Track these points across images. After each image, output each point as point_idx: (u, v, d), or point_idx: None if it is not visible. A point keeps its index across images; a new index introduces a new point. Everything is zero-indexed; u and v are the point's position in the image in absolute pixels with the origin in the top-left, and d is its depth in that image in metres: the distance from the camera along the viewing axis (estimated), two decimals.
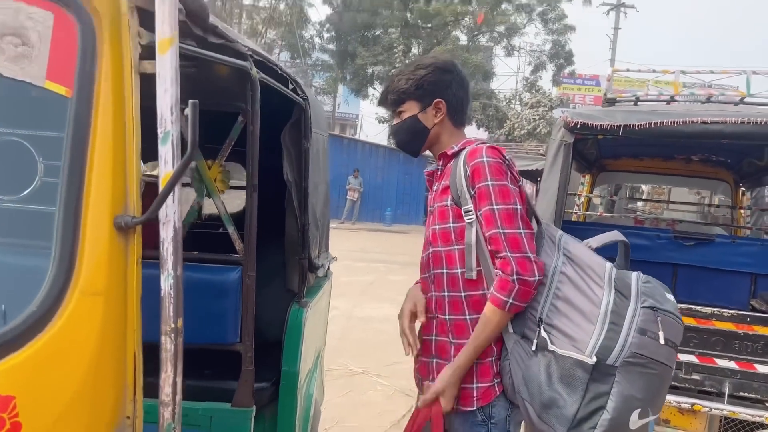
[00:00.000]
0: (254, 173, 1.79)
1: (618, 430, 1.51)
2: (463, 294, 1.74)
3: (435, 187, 1.86)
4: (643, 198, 10.40)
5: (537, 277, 1.62)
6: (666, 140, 3.74)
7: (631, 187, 10.81)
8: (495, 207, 1.66)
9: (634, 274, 1.67)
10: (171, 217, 1.11)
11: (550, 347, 1.58)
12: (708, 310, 3.25)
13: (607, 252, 1.75)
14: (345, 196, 20.40)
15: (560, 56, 25.46)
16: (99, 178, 1.09)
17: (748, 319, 3.19)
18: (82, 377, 1.04)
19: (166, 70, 1.11)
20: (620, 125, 3.34)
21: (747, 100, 3.97)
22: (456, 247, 1.74)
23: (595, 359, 1.51)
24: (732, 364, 3.17)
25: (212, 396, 1.95)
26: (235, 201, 3.02)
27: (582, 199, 6.23)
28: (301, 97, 2.37)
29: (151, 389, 1.14)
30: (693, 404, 3.17)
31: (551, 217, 3.41)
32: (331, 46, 26.27)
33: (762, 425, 3.14)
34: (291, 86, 2.25)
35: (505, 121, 24.91)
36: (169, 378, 1.10)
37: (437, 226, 1.79)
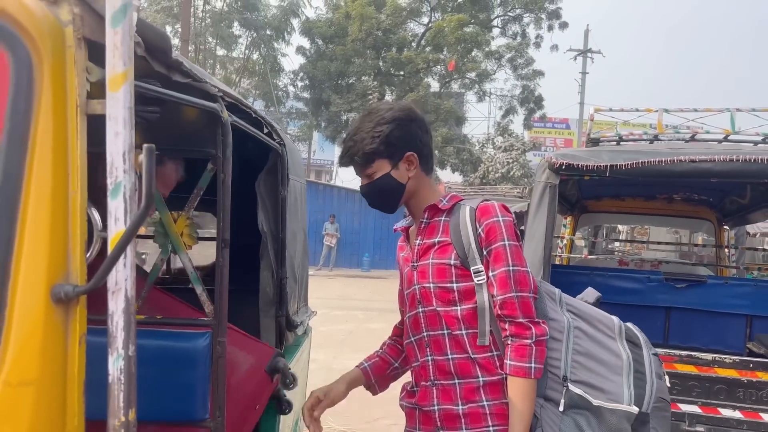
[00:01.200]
0: (225, 226, 1.61)
1: None
2: (472, 356, 1.62)
3: (418, 242, 1.73)
4: (625, 239, 10.40)
5: (549, 336, 1.60)
6: (651, 179, 3.65)
7: (609, 227, 10.82)
8: (511, 269, 1.60)
9: (631, 325, 1.74)
10: (122, 284, 0.92)
11: (595, 403, 1.55)
12: (709, 356, 3.11)
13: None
14: (322, 242, 20.17)
15: (530, 100, 25.90)
16: (33, 240, 0.90)
17: (751, 365, 3.05)
18: None
19: (118, 110, 0.94)
20: (607, 165, 3.26)
21: (732, 137, 3.92)
22: (460, 308, 1.63)
23: (636, 409, 1.55)
24: (737, 414, 3.02)
25: None
26: (203, 252, 2.81)
27: (565, 242, 6.14)
28: (277, 142, 2.22)
29: None
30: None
31: (540, 261, 3.28)
32: (305, 94, 26.42)
33: None
34: (266, 130, 2.10)
35: (479, 164, 25.10)
36: None
37: (433, 285, 1.66)
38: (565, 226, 6.25)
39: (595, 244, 8.32)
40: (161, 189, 1.90)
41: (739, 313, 4.02)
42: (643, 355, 1.63)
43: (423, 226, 1.74)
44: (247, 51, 26.05)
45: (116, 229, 0.92)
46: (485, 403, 1.60)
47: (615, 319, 1.70)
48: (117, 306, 0.92)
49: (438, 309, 1.65)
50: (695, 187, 5.08)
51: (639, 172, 3.27)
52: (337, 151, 34.99)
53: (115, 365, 0.90)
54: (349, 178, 33.78)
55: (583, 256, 7.09)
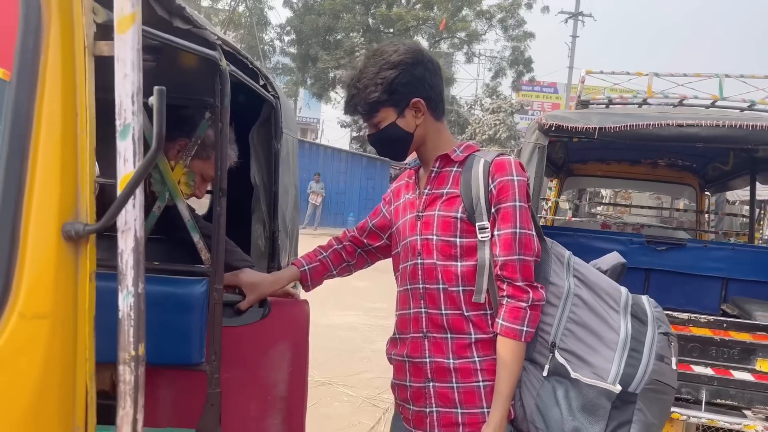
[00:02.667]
0: (223, 175, 1.62)
1: None
2: (465, 313, 1.61)
3: (426, 191, 1.69)
4: (608, 203, 10.53)
5: (545, 301, 1.59)
6: (639, 143, 3.70)
7: (593, 191, 10.94)
8: (518, 231, 1.56)
9: (645, 298, 1.65)
10: (132, 224, 0.95)
11: (573, 375, 1.52)
12: (685, 315, 3.21)
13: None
14: (307, 200, 20.17)
15: (519, 63, 25.75)
16: (44, 178, 0.92)
17: (725, 325, 3.15)
18: (22, 415, 0.86)
19: (126, 52, 0.95)
20: (596, 128, 3.29)
21: (719, 103, 3.97)
22: (460, 263, 1.60)
23: (620, 388, 1.48)
24: (709, 371, 3.13)
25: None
26: (196, 206, 2.83)
27: (550, 204, 6.22)
28: (272, 95, 2.21)
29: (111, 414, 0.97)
30: (671, 412, 3.11)
31: None
32: (292, 50, 25.99)
33: None
34: (262, 82, 2.09)
35: (467, 126, 25.06)
36: (128, 415, 0.93)
37: (436, 237, 1.63)
38: (550, 188, 6.32)
39: (579, 208, 8.42)
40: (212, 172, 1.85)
41: (716, 276, 4.14)
42: (645, 333, 1.55)
43: (433, 175, 1.69)
44: (232, 2, 25.44)
45: (125, 170, 0.94)
46: (476, 358, 1.61)
47: (624, 291, 1.64)
48: (127, 245, 0.94)
49: (437, 263, 1.62)
50: (680, 152, 5.15)
51: (627, 135, 3.30)
52: (324, 108, 34.66)
53: (125, 301, 0.93)
54: (335, 137, 33.55)
55: (567, 218, 7.19)
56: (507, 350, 1.55)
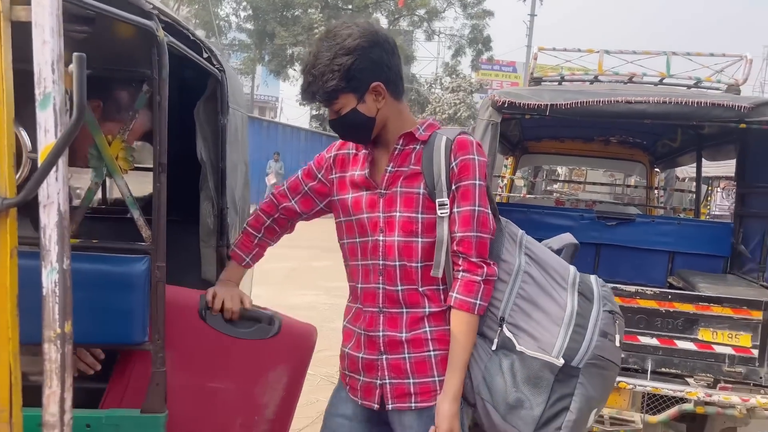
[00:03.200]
0: (162, 150, 1.57)
1: (579, 429, 1.56)
2: (420, 288, 1.66)
3: (389, 169, 1.69)
4: (562, 179, 10.73)
5: (496, 278, 1.63)
6: (590, 120, 3.76)
7: (549, 169, 11.11)
8: (476, 209, 1.61)
9: (593, 278, 1.72)
10: (54, 198, 0.91)
11: (518, 348, 1.58)
12: (632, 288, 3.30)
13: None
14: (265, 180, 19.94)
15: (478, 41, 25.82)
16: None
17: (670, 297, 3.26)
18: None
19: (45, 17, 0.90)
20: (547, 104, 3.32)
21: (667, 80, 4.05)
22: (420, 239, 1.64)
23: (563, 361, 1.54)
24: (654, 341, 3.24)
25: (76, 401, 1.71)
26: (144, 185, 2.76)
27: (505, 181, 6.29)
28: (216, 68, 2.15)
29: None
30: (618, 382, 3.21)
31: None
32: (249, 26, 25.45)
33: (682, 400, 3.23)
34: (205, 55, 2.03)
35: (427, 105, 25.08)
36: (55, 394, 0.90)
37: (399, 214, 1.65)
38: (505, 166, 6.39)
39: (535, 185, 8.55)
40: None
41: (663, 250, 4.27)
42: (591, 310, 1.61)
43: (396, 153, 1.69)
44: None
45: (46, 141, 0.90)
46: (427, 329, 1.66)
47: (572, 269, 1.71)
48: (49, 220, 0.90)
49: (398, 239, 1.65)
50: (631, 129, 5.26)
51: (578, 112, 3.35)
52: (282, 86, 34.16)
53: (49, 278, 0.90)
54: (294, 116, 33.14)
55: (522, 195, 7.29)
56: (461, 323, 1.59)
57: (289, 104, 32.84)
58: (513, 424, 1.55)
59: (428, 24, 25.73)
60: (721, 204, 11.44)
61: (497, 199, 6.26)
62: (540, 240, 1.82)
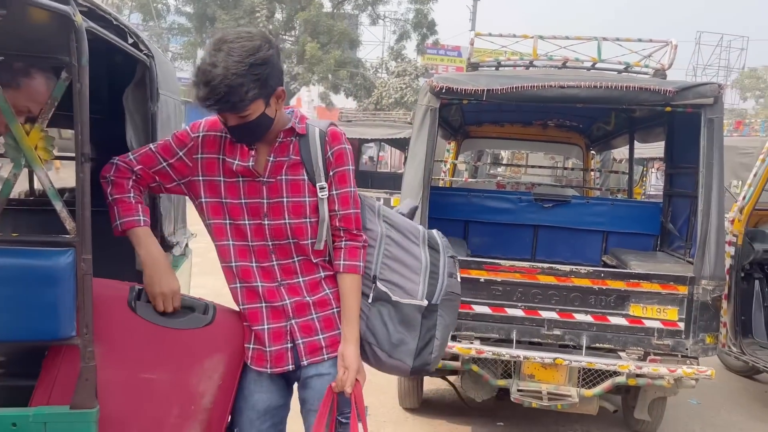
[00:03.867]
0: (85, 140, 1.52)
1: (442, 349, 1.94)
2: (314, 260, 1.87)
3: (271, 159, 1.81)
4: (504, 163, 10.92)
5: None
6: (526, 104, 3.84)
7: (493, 153, 11.29)
8: (351, 190, 1.88)
9: (435, 232, 2.05)
10: None
11: (393, 298, 1.89)
12: (567, 268, 3.41)
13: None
14: None
15: (423, 25, 25.83)
16: None
17: (602, 275, 3.38)
18: None
19: None
20: (484, 89, 3.38)
21: (598, 65, 4.17)
22: (309, 220, 1.84)
23: (426, 302, 1.89)
24: (589, 318, 3.36)
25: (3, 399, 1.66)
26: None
27: (448, 166, 6.36)
28: (144, 54, 2.10)
29: None
30: (555, 359, 3.33)
31: (420, 183, 3.38)
32: (188, 9, 24.70)
33: (615, 373, 3.36)
34: (130, 40, 1.97)
35: (373, 89, 24.99)
36: None
37: (287, 200, 1.82)
38: (448, 150, 6.46)
39: (478, 169, 8.67)
40: (30, 104, 1.75)
41: (597, 230, 4.42)
42: (439, 258, 1.96)
43: (277, 145, 1.82)
44: None
45: None
46: (328, 291, 1.89)
47: (421, 228, 2.03)
48: None
49: (289, 222, 1.82)
50: (567, 113, 5.40)
51: (514, 96, 3.41)
52: None
53: None
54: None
55: (464, 179, 7.38)
56: (352, 283, 1.88)
57: None
58: (398, 358, 1.89)
59: (372, 8, 25.57)
60: (656, 184, 11.88)
61: (440, 183, 6.33)
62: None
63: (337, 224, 1.87)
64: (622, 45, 4.17)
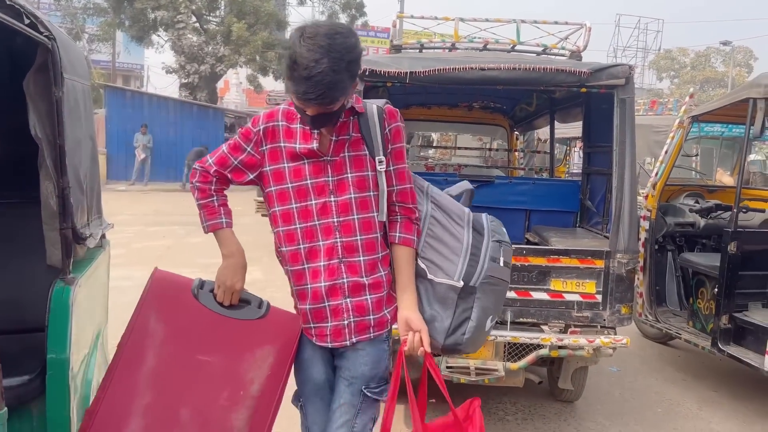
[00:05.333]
0: None
1: (478, 332, 1.97)
2: (377, 235, 1.94)
3: (334, 138, 1.88)
4: (433, 146, 11.05)
5: None
6: (449, 87, 3.88)
7: (423, 135, 11.39)
8: (407, 166, 1.98)
9: (484, 215, 2.09)
10: None
11: (429, 276, 1.95)
12: None
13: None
14: (133, 154, 18.79)
15: (351, 6, 25.64)
16: None
17: (524, 252, 3.49)
18: None
19: None
20: (407, 72, 3.39)
21: (518, 47, 4.26)
22: (371, 193, 1.92)
23: (462, 283, 1.93)
24: (512, 294, 3.46)
25: None
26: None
27: None
28: (44, 36, 1.98)
29: None
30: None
31: None
32: None
33: (538, 346, 3.49)
34: (27, 21, 1.85)
35: None
36: None
37: (351, 175, 1.90)
38: None
39: (408, 151, 8.73)
40: None
41: (520, 209, 4.54)
42: (482, 241, 2.00)
43: (338, 124, 1.88)
44: None
45: None
46: (383, 273, 1.96)
47: (467, 210, 2.08)
48: None
49: (353, 196, 1.90)
50: (490, 95, 5.51)
51: (436, 79, 3.44)
52: (146, 53, 32.06)
53: None
54: (162, 85, 31.31)
55: None
56: (408, 255, 1.96)
57: (156, 72, 31.02)
58: (430, 335, 1.93)
59: None
60: (578, 163, 12.33)
61: None
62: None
63: (395, 199, 1.96)
64: (539, 27, 4.27)
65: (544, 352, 3.50)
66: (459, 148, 9.54)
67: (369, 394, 1.96)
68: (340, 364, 1.99)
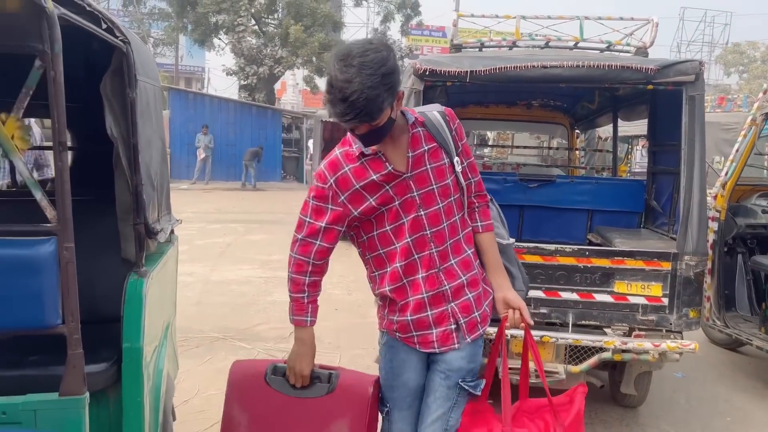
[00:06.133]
0: (62, 129, 1.51)
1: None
2: (461, 235, 2.03)
3: (410, 154, 1.92)
4: (490, 144, 10.94)
5: None
6: (510, 85, 3.84)
7: (479, 134, 11.28)
8: (473, 159, 2.10)
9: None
10: None
11: (504, 242, 2.18)
12: (552, 247, 3.44)
13: None
14: (195, 154, 19.34)
15: (407, 6, 25.66)
16: None
17: (587, 253, 3.42)
18: None
19: None
20: (467, 71, 3.37)
21: (581, 44, 4.17)
22: (453, 197, 2.00)
23: (513, 239, 2.27)
24: (574, 296, 3.40)
25: (40, 386, 1.69)
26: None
27: None
28: (120, 40, 2.07)
29: None
30: (542, 336, 3.37)
31: None
32: None
33: (601, 349, 3.41)
34: (104, 26, 1.94)
35: None
36: None
37: (436, 186, 1.95)
38: None
39: None
40: None
41: (582, 209, 4.45)
42: (494, 209, 2.24)
43: (410, 139, 1.94)
44: None
45: None
46: (476, 270, 2.07)
47: None
48: None
49: (441, 205, 1.97)
50: (550, 93, 5.41)
51: (497, 77, 3.41)
52: (208, 56, 32.99)
53: None
54: (222, 87, 32.17)
55: None
56: (492, 239, 2.12)
57: (217, 75, 31.83)
58: (518, 288, 2.15)
59: None
60: (641, 162, 11.95)
61: None
62: None
63: (474, 190, 2.09)
64: (603, 24, 4.17)
65: (606, 355, 3.41)
66: (517, 147, 9.40)
67: (465, 387, 2.04)
68: (435, 359, 2.06)
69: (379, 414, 2.13)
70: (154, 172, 2.52)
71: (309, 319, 2.04)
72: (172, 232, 2.93)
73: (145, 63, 2.49)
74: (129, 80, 2.15)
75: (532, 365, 3.49)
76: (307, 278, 2.02)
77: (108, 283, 2.48)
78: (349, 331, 5.50)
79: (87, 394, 1.64)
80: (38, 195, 1.56)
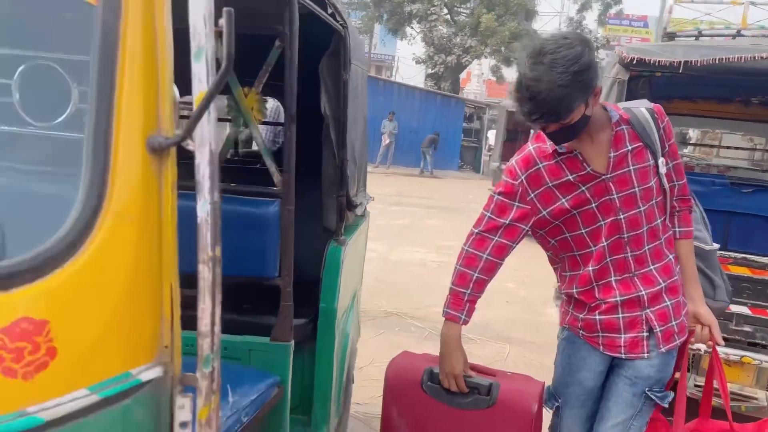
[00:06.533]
0: (292, 103, 1.69)
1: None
2: (662, 240, 1.92)
3: (612, 155, 1.82)
4: (695, 143, 10.01)
5: None
6: (729, 78, 3.48)
7: (680, 131, 10.35)
8: (681, 161, 1.98)
9: None
10: (207, 138, 1.03)
11: (707, 248, 2.11)
12: (764, 259, 3.10)
13: None
14: (380, 139, 20.16)
15: None
16: (130, 95, 1.01)
17: None
18: (117, 304, 0.99)
19: None
20: (681, 61, 3.13)
21: None
22: (655, 200, 1.88)
23: (717, 245, 2.17)
24: None
25: (250, 330, 1.93)
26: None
27: None
28: (340, 24, 2.24)
29: (188, 322, 1.09)
30: (742, 356, 3.06)
31: None
32: None
33: None
34: (330, 10, 2.12)
35: None
36: (208, 308, 1.04)
37: (638, 188, 1.85)
38: None
39: None
40: None
41: None
42: (698, 211, 2.14)
43: (612, 138, 1.84)
44: None
45: (200, 89, 1.02)
46: (676, 276, 1.96)
47: None
48: (203, 158, 1.03)
49: (642, 209, 1.86)
50: None
51: (716, 69, 3.12)
52: (399, 44, 34.05)
53: (203, 209, 1.03)
54: (409, 75, 33.04)
55: None
56: (690, 247, 2.02)
57: (406, 63, 32.76)
58: (720, 299, 2.12)
59: None
60: None
61: None
62: None
63: (678, 193, 1.98)
64: None
65: None
66: (726, 148, 8.49)
67: (653, 396, 1.93)
68: (619, 363, 1.96)
69: (546, 409, 2.03)
70: (357, 150, 2.70)
71: (463, 317, 1.93)
72: (365, 207, 3.12)
73: (357, 47, 2.66)
74: (344, 63, 2.32)
75: (728, 385, 3.21)
76: (476, 275, 1.91)
77: (309, 248, 2.72)
78: (519, 324, 5.43)
79: (293, 342, 1.83)
80: (268, 161, 1.76)
